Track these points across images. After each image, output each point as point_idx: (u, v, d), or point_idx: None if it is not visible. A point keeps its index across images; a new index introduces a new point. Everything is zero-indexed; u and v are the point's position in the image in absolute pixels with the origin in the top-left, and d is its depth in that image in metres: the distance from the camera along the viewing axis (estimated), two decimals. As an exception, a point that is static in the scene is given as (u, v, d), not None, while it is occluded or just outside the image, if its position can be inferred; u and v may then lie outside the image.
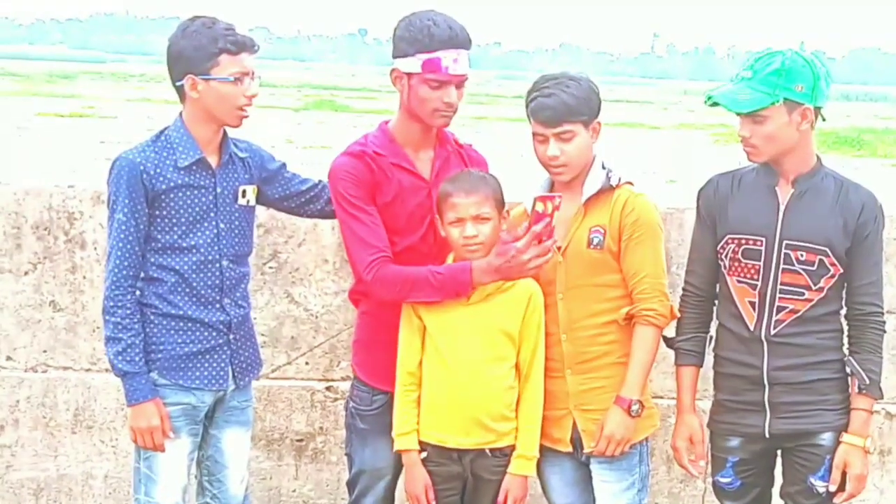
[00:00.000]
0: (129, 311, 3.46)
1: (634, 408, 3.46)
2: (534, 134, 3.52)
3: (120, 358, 3.46)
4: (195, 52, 3.46)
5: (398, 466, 3.68)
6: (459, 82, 3.52)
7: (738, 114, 3.41)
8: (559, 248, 3.51)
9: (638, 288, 3.49)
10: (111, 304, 3.46)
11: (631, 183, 3.57)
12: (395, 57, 3.57)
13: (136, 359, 3.47)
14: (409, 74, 3.52)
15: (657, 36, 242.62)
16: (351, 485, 3.77)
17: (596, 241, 3.50)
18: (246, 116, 3.54)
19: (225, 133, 3.60)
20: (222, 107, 3.48)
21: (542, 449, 3.61)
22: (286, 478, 4.62)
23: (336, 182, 3.56)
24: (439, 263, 3.55)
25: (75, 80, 50.49)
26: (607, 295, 3.52)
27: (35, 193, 4.45)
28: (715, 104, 3.43)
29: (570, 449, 3.58)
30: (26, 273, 4.47)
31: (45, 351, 4.52)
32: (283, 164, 3.79)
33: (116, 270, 3.46)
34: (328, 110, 34.00)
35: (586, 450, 3.55)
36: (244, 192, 3.63)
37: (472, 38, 3.56)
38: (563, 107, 3.44)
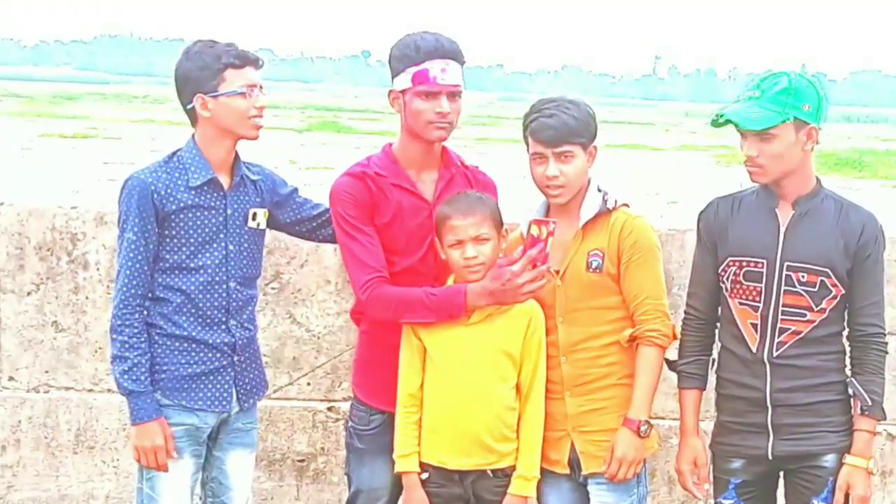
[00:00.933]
0: (136, 331, 3.48)
1: (643, 428, 3.48)
2: (532, 155, 3.54)
3: (126, 377, 3.46)
4: (201, 72, 3.50)
5: (397, 487, 3.68)
6: (450, 93, 3.54)
7: (747, 132, 3.40)
8: (557, 272, 3.53)
9: (640, 310, 3.50)
10: (119, 322, 3.47)
11: (627, 205, 3.60)
12: (392, 80, 3.61)
13: (142, 378, 3.47)
14: (404, 91, 3.55)
15: (659, 58, 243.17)
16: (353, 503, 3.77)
17: (595, 264, 3.51)
18: (260, 127, 3.58)
19: (237, 155, 3.63)
20: (235, 120, 3.52)
21: (541, 470, 3.61)
22: (287, 498, 4.62)
23: (336, 202, 3.59)
24: (439, 285, 3.56)
25: (79, 102, 50.61)
26: (607, 317, 3.53)
27: (38, 214, 4.47)
28: (726, 122, 3.42)
29: (567, 471, 3.58)
30: (29, 293, 4.48)
31: (46, 371, 4.53)
32: (295, 189, 3.80)
33: (125, 290, 3.47)
34: (331, 131, 34.05)
35: (585, 471, 3.55)
36: (255, 214, 3.65)
37: (462, 52, 3.59)
38: (564, 127, 3.47)
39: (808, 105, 3.39)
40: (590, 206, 3.54)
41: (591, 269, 3.51)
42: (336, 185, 3.61)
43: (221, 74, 3.49)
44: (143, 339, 3.49)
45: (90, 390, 4.54)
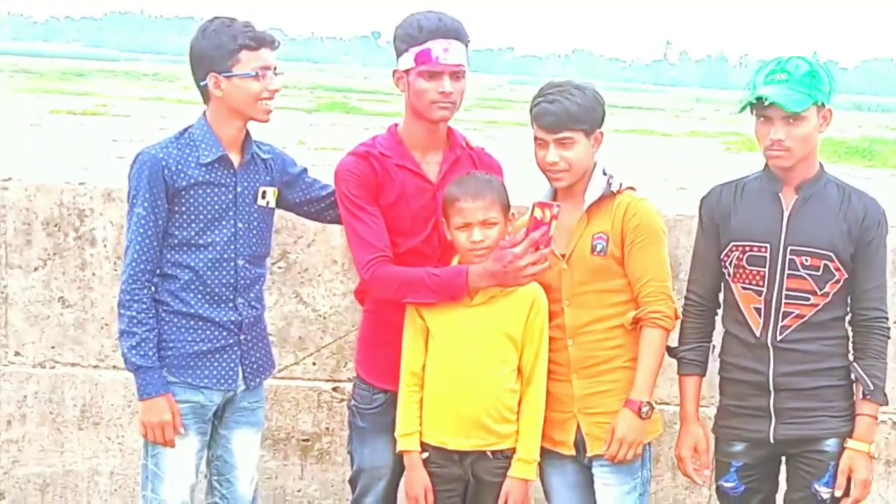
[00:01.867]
0: (144, 306, 3.48)
1: (644, 409, 3.48)
2: (535, 139, 3.54)
3: (134, 352, 3.47)
4: (216, 51, 3.49)
5: (398, 466, 3.69)
6: (453, 72, 3.53)
7: (773, 116, 3.38)
8: (563, 256, 3.53)
9: (644, 291, 3.51)
10: (127, 297, 3.48)
11: (633, 188, 3.59)
12: (397, 60, 3.60)
13: (150, 353, 3.48)
14: (407, 71, 3.55)
15: (670, 43, 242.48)
16: (352, 483, 3.79)
17: (599, 247, 3.51)
18: (270, 111, 3.57)
19: (248, 133, 3.63)
20: (246, 102, 3.51)
21: (545, 452, 3.63)
22: (291, 477, 4.63)
23: (340, 182, 3.59)
24: (444, 265, 3.57)
25: (89, 78, 50.65)
26: (612, 300, 3.54)
27: (46, 190, 4.47)
28: (766, 106, 3.37)
29: (573, 452, 3.59)
30: (36, 269, 4.49)
31: (53, 347, 4.54)
32: (305, 169, 3.80)
33: (134, 265, 3.47)
34: (340, 112, 34.05)
35: (590, 452, 3.56)
36: (264, 193, 3.65)
37: (466, 31, 3.57)
38: (564, 114, 3.46)
39: (826, 87, 3.42)
40: (594, 189, 3.54)
41: (595, 253, 3.51)
42: (340, 164, 3.62)
43: (236, 55, 3.48)
44: (151, 315, 3.49)
45: (96, 366, 4.55)
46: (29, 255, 4.48)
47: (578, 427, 3.57)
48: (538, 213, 3.41)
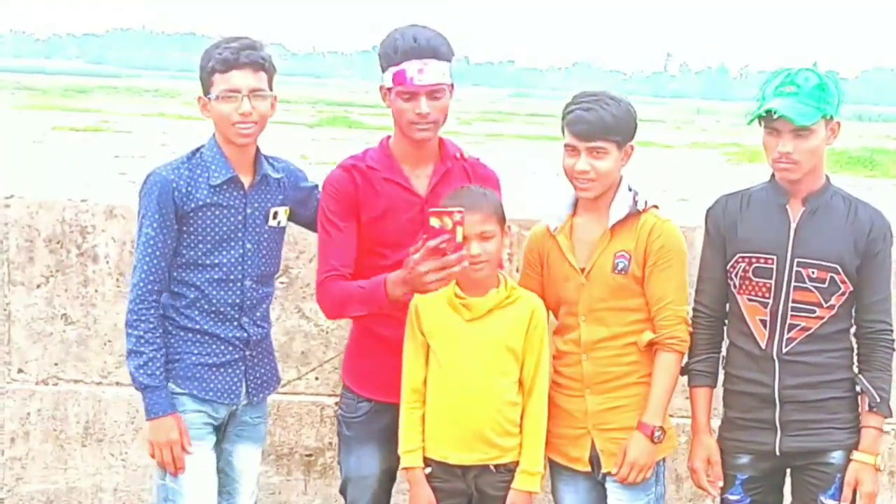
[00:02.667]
0: (151, 326, 3.48)
1: (657, 434, 3.47)
2: (566, 146, 3.50)
3: (141, 371, 3.46)
4: (201, 74, 3.54)
5: (386, 476, 3.71)
6: (430, 92, 3.51)
7: (782, 129, 3.37)
8: (582, 270, 3.52)
9: (660, 315, 3.49)
10: (134, 317, 3.48)
11: (657, 206, 3.57)
12: (382, 76, 3.62)
13: (157, 373, 3.47)
14: (389, 90, 3.56)
15: (670, 55, 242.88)
16: (343, 493, 3.81)
17: (621, 265, 3.49)
18: (244, 135, 3.50)
19: (258, 152, 3.61)
20: (222, 125, 3.51)
21: (559, 467, 3.62)
22: (295, 493, 4.62)
23: (322, 195, 3.64)
24: None
25: (91, 95, 50.74)
26: (629, 318, 3.52)
27: (48, 207, 4.47)
28: (774, 119, 3.36)
29: (588, 468, 3.58)
30: (38, 286, 4.49)
31: (56, 364, 4.54)
32: (316, 186, 3.78)
33: (142, 285, 3.47)
34: (342, 126, 34.11)
35: (604, 469, 3.54)
36: (276, 213, 3.64)
37: (445, 48, 3.54)
38: (600, 123, 3.44)
39: (834, 100, 3.42)
40: (620, 206, 3.50)
41: (616, 271, 3.49)
42: (327, 177, 3.65)
43: (211, 78, 3.49)
44: (158, 335, 3.49)
45: (99, 383, 4.54)
46: (31, 272, 4.48)
47: (593, 443, 3.56)
48: (434, 223, 3.33)
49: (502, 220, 3.51)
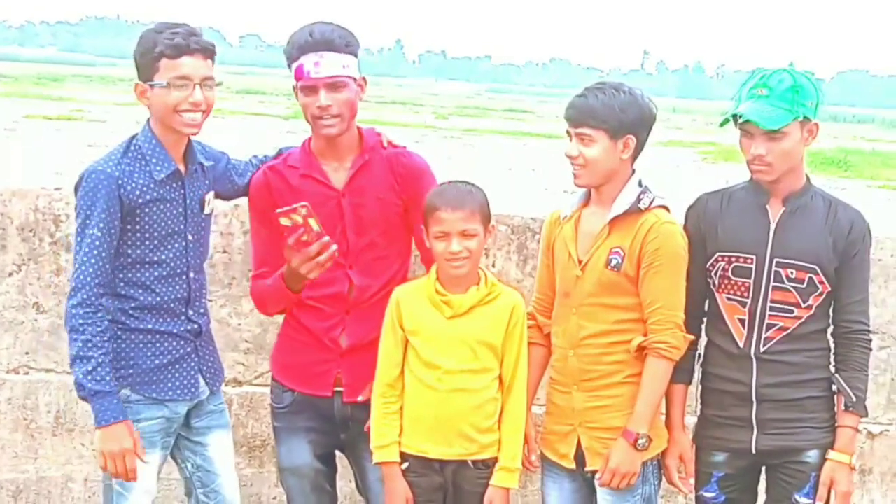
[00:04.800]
0: (100, 329, 3.33)
1: (641, 441, 3.45)
2: (566, 132, 3.52)
3: (90, 377, 3.31)
4: (141, 59, 3.39)
5: (327, 466, 3.77)
6: (329, 85, 3.50)
7: (755, 131, 3.38)
8: (580, 262, 3.51)
9: (652, 318, 3.46)
10: (80, 321, 3.31)
11: (665, 207, 3.50)
12: None
13: (107, 378, 3.33)
14: (296, 88, 3.58)
15: (647, 53, 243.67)
16: (281, 484, 3.85)
17: (614, 262, 3.46)
18: (191, 124, 3.40)
19: (189, 141, 3.52)
20: (164, 113, 3.38)
21: (548, 462, 3.62)
22: (267, 485, 4.60)
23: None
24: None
25: (64, 83, 50.37)
26: (619, 317, 3.49)
27: (21, 195, 4.43)
28: (746, 122, 3.38)
29: (573, 465, 3.57)
30: (10, 274, 4.45)
31: (27, 353, 4.50)
32: (227, 158, 3.74)
33: (88, 288, 3.32)
34: (317, 119, 33.90)
35: (588, 467, 3.54)
36: (208, 200, 3.59)
37: (346, 40, 3.53)
38: (586, 109, 3.42)
39: (811, 102, 3.41)
40: (624, 201, 3.47)
41: (609, 267, 3.47)
42: (251, 177, 3.72)
43: (156, 64, 3.34)
44: (106, 339, 3.34)
45: (70, 373, 4.50)
46: (3, 261, 4.44)
47: (579, 440, 3.55)
48: (285, 222, 3.39)
49: (486, 218, 3.49)
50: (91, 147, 17.24)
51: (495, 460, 3.52)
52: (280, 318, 4.49)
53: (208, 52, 3.40)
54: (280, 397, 3.77)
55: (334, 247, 3.42)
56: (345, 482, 3.97)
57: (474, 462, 3.51)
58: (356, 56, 3.58)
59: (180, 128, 3.41)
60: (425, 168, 3.69)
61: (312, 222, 3.38)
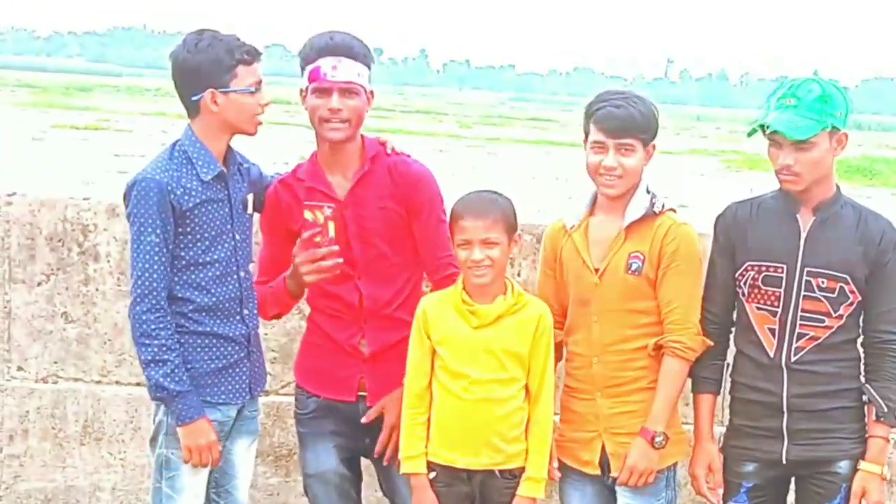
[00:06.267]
0: (170, 332, 3.43)
1: (658, 440, 3.46)
2: (593, 143, 3.50)
3: (169, 379, 3.41)
4: (212, 66, 3.45)
5: (352, 472, 3.77)
6: (343, 89, 3.53)
7: (783, 141, 3.37)
8: (596, 270, 3.52)
9: (668, 319, 3.48)
10: (152, 326, 3.41)
11: (674, 210, 3.56)
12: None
13: (185, 378, 3.44)
14: (305, 90, 3.59)
15: (671, 61, 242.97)
16: (307, 492, 3.84)
17: (635, 266, 3.49)
18: (261, 123, 3.58)
19: (228, 144, 3.60)
20: (242, 117, 3.50)
21: (569, 470, 3.62)
22: (294, 494, 4.61)
23: None
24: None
25: (91, 93, 50.69)
26: (640, 321, 3.51)
27: (50, 205, 4.47)
28: (774, 132, 3.38)
29: (597, 472, 3.57)
30: (39, 284, 4.49)
31: (55, 362, 4.53)
32: (259, 168, 3.79)
33: (155, 293, 3.41)
34: (342, 128, 33.95)
35: (613, 473, 3.54)
36: (248, 201, 3.66)
37: (364, 51, 3.58)
38: (630, 119, 3.45)
39: (839, 112, 3.40)
40: (637, 206, 3.51)
41: (630, 271, 3.49)
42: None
43: (234, 70, 3.45)
44: (176, 340, 3.45)
45: (98, 382, 4.54)
46: (32, 270, 4.48)
47: (603, 447, 3.55)
48: (308, 216, 3.46)
49: (511, 227, 3.49)
50: (118, 157, 17.36)
51: (522, 470, 3.52)
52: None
53: (261, 57, 3.56)
54: (304, 403, 3.79)
55: (340, 260, 3.47)
56: (371, 491, 3.98)
57: (501, 472, 3.51)
58: (370, 68, 3.63)
59: (251, 130, 3.55)
60: (423, 174, 3.70)
61: (331, 227, 3.44)
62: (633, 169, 3.48)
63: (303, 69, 3.61)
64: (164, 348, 3.41)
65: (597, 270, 3.52)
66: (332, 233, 3.44)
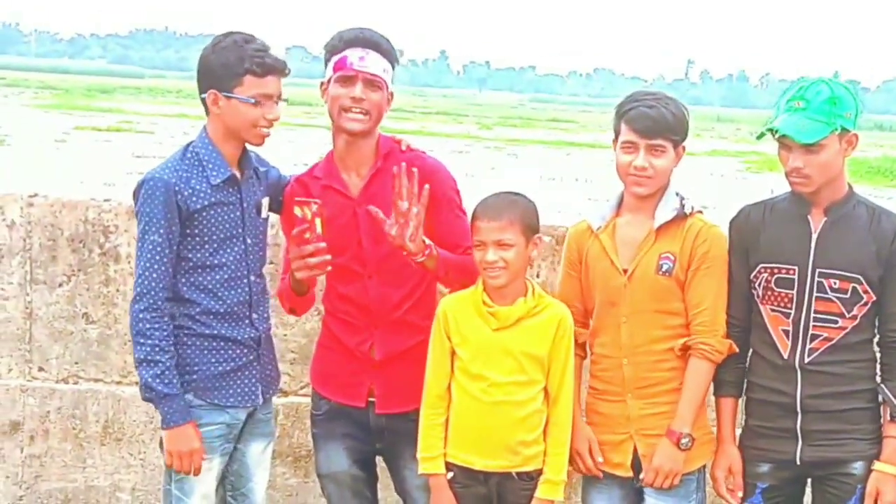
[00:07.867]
0: (165, 333, 3.44)
1: (684, 441, 3.46)
2: (624, 143, 3.50)
3: (158, 381, 3.42)
4: (222, 69, 3.47)
5: (367, 473, 3.78)
6: (368, 80, 3.53)
7: (793, 143, 3.37)
8: (625, 271, 3.51)
9: (696, 320, 3.48)
10: (147, 326, 3.42)
11: (701, 212, 3.57)
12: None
13: (174, 381, 3.44)
14: (328, 81, 3.59)
15: (691, 62, 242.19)
16: (324, 492, 3.85)
17: (665, 267, 3.49)
18: (266, 136, 3.56)
19: (245, 147, 3.61)
20: (241, 125, 3.50)
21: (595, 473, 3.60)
22: (312, 495, 4.62)
23: None
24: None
25: (114, 95, 50.94)
26: (669, 322, 3.51)
27: (71, 206, 4.50)
28: (782, 136, 3.38)
29: (629, 473, 3.57)
30: (60, 285, 4.51)
31: (76, 363, 4.56)
32: (278, 170, 3.81)
33: (153, 292, 3.43)
34: (363, 130, 33.98)
35: (643, 475, 3.54)
36: (262, 205, 3.66)
37: (390, 48, 3.60)
38: (663, 120, 3.45)
39: (849, 113, 3.39)
40: (667, 208, 3.51)
41: (661, 272, 3.49)
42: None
43: (240, 78, 3.45)
44: (171, 342, 3.45)
45: (119, 382, 4.57)
46: (54, 271, 4.50)
47: (635, 448, 3.55)
48: (297, 212, 3.45)
49: (529, 229, 3.47)
50: (139, 158, 17.42)
51: (540, 472, 3.51)
52: (325, 329, 4.53)
53: (285, 73, 3.53)
54: (318, 405, 3.81)
55: (328, 257, 3.46)
56: (389, 492, 3.98)
57: (519, 474, 3.51)
58: (394, 68, 3.64)
59: (252, 140, 3.55)
60: (438, 168, 3.68)
61: (318, 223, 3.45)
62: (664, 170, 3.48)
63: (327, 61, 3.60)
64: (157, 349, 3.42)
65: (625, 271, 3.51)
66: (319, 229, 3.44)
